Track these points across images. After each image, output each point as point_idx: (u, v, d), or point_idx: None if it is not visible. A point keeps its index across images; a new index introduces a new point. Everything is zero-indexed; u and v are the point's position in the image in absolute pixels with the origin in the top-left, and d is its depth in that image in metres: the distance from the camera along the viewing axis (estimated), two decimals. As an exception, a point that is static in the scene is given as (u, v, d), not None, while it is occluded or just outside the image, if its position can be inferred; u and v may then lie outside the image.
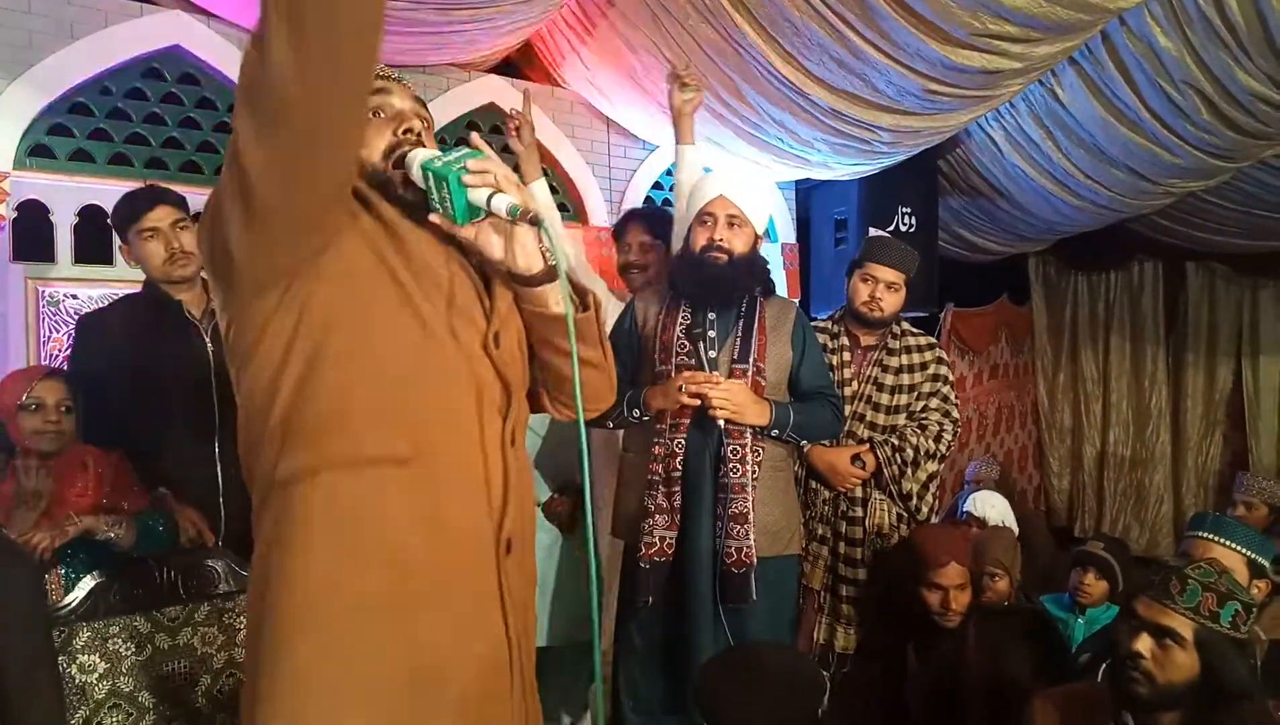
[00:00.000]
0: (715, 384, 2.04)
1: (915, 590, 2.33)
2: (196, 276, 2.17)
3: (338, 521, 1.04)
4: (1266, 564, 2.08)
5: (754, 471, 2.10)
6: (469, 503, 1.13)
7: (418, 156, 1.12)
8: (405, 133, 1.16)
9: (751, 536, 2.05)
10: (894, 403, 2.52)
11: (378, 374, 1.08)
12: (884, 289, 2.50)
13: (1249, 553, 2.00)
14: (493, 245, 1.17)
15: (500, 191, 1.08)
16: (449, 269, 1.17)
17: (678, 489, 2.10)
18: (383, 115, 1.17)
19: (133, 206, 2.11)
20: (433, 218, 1.13)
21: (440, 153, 1.12)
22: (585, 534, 1.26)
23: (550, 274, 1.19)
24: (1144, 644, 1.53)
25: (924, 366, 2.56)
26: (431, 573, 1.08)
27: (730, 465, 2.08)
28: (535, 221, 1.07)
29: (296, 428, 1.06)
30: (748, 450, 2.09)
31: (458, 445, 1.13)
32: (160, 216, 2.10)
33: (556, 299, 1.20)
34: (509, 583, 1.15)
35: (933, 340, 2.65)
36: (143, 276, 2.17)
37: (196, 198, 2.32)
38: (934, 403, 2.54)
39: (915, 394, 2.54)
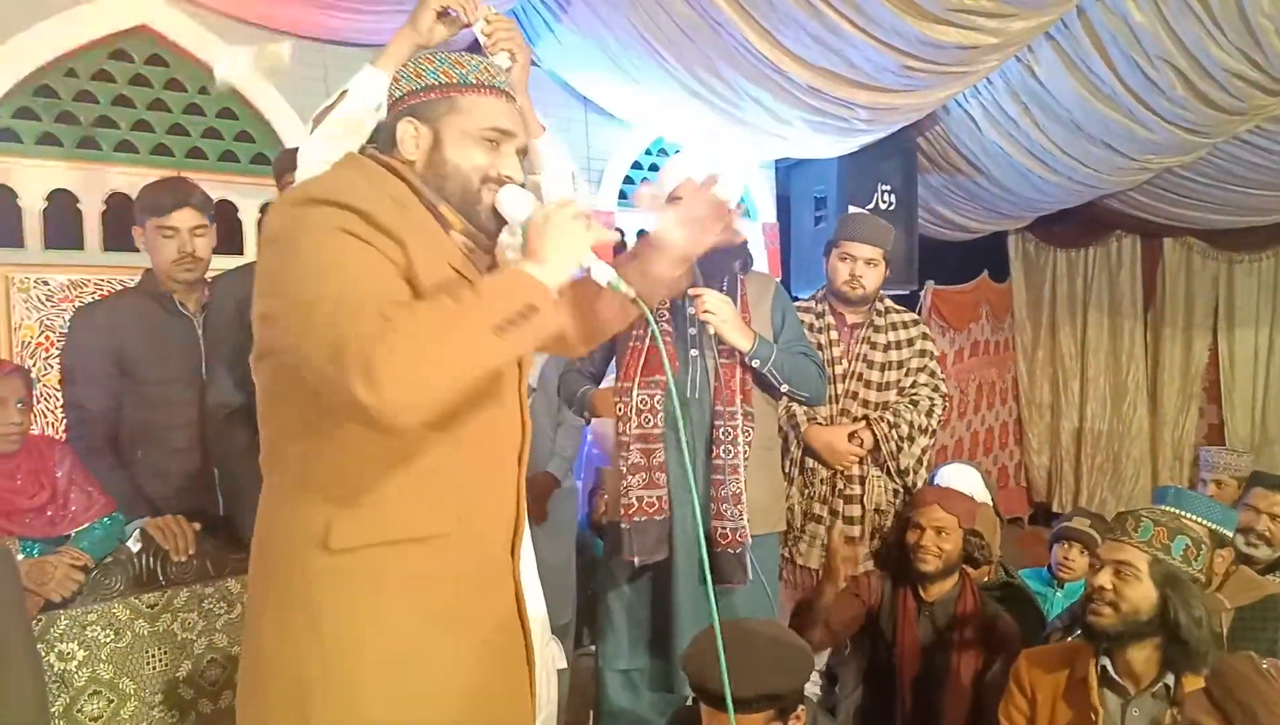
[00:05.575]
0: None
1: (902, 535, 2.35)
2: (198, 281, 2.15)
3: (392, 595, 1.12)
4: (1228, 534, 2.13)
5: (745, 452, 2.10)
6: (497, 533, 1.25)
7: (514, 204, 1.19)
8: (506, 176, 1.21)
9: (745, 517, 2.06)
10: (885, 380, 2.54)
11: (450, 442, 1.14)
12: (863, 266, 2.49)
13: (1209, 523, 2.05)
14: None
15: (599, 261, 1.20)
16: None
17: (658, 447, 2.09)
18: (491, 143, 1.20)
19: (158, 200, 2.07)
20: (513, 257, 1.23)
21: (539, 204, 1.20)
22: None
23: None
24: (1105, 577, 1.68)
25: (910, 342, 2.58)
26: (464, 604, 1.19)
27: (723, 447, 2.08)
28: (635, 302, 1.22)
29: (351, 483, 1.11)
30: (739, 431, 2.09)
31: (496, 510, 1.25)
32: (182, 220, 2.07)
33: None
34: (520, 590, 1.29)
35: (916, 316, 2.67)
36: (112, 263, 2.15)
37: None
38: (922, 378, 2.57)
39: (904, 370, 2.56)
